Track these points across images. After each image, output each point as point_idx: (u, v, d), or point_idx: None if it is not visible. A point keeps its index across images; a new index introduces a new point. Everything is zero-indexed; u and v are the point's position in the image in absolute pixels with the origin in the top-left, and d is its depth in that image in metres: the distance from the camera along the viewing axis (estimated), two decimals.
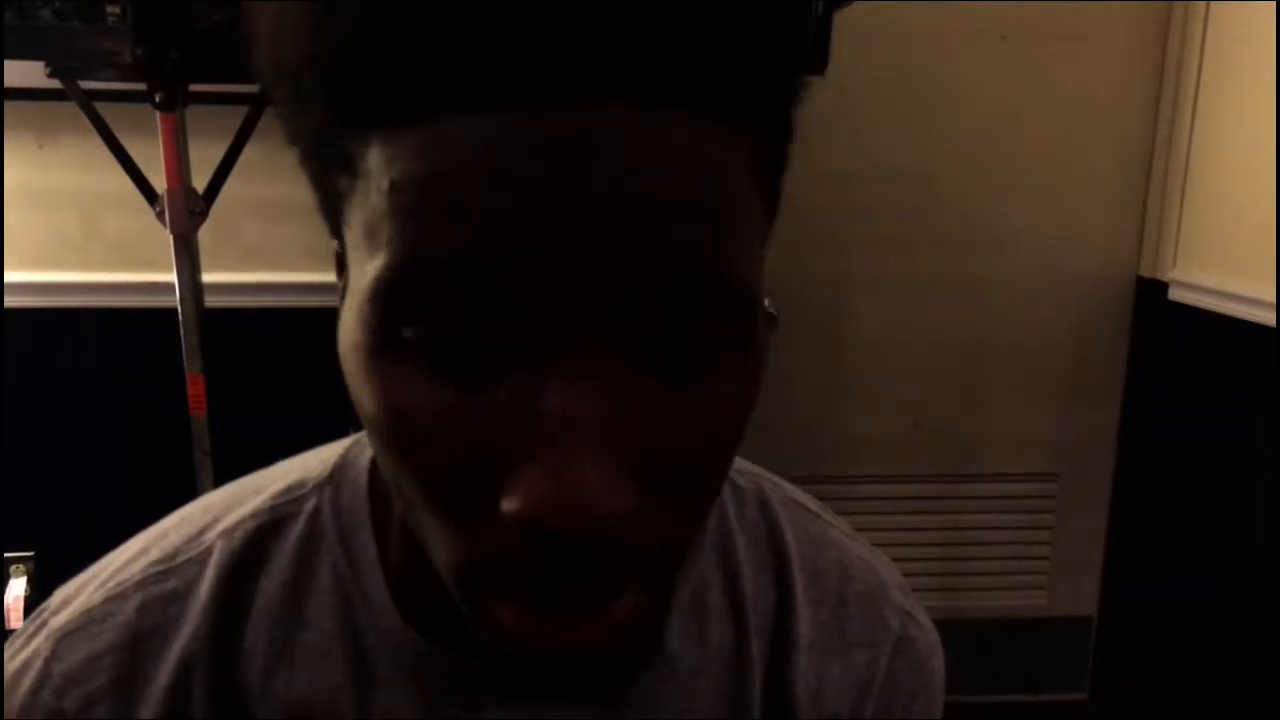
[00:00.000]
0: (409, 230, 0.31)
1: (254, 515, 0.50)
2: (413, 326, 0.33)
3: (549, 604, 0.35)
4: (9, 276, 1.94)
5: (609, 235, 0.31)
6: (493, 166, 0.30)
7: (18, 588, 2.00)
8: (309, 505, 0.50)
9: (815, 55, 1.41)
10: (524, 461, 0.32)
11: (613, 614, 0.35)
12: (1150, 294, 2.35)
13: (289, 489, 0.50)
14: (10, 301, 1.94)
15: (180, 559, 0.49)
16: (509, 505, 0.32)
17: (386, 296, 0.33)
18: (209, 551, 0.49)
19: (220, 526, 0.50)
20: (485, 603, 0.36)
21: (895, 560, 0.59)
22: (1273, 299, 1.93)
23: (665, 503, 0.35)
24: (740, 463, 0.57)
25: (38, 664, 0.47)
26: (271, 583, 0.48)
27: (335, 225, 0.37)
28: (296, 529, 0.49)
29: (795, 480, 0.59)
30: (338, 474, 0.50)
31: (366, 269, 0.33)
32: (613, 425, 0.32)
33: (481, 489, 0.33)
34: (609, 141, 0.30)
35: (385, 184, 0.32)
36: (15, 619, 1.94)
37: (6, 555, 2.04)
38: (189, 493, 0.54)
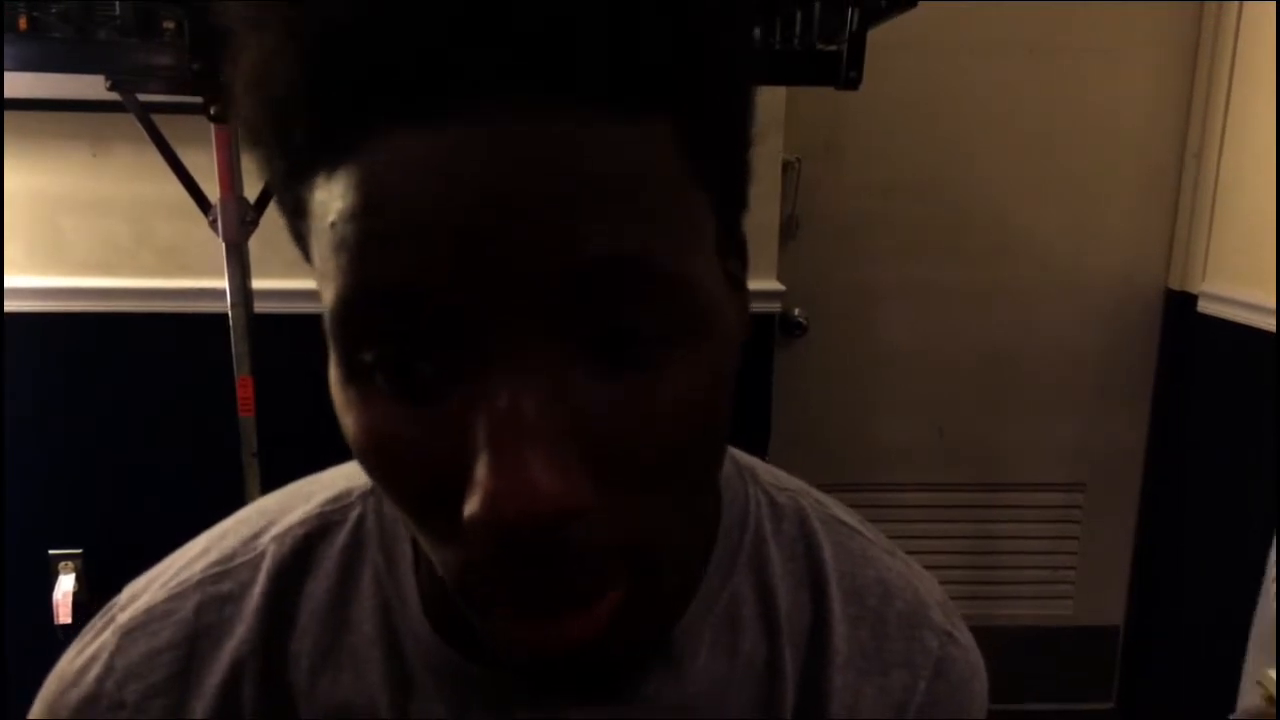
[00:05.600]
0: (350, 263, 0.33)
1: (303, 522, 0.51)
2: (369, 352, 0.34)
3: (533, 608, 0.35)
4: (61, 282, 1.99)
5: (534, 239, 0.31)
6: (415, 191, 0.31)
7: (66, 584, 2.04)
8: (354, 513, 0.51)
9: (850, 71, 1.43)
10: (478, 465, 0.32)
11: (596, 611, 0.36)
12: (1179, 306, 2.35)
13: (337, 497, 0.52)
14: (63, 306, 1.99)
15: (236, 561, 0.51)
16: (468, 510, 0.32)
17: (340, 327, 0.35)
18: (262, 556, 0.51)
19: (273, 531, 0.52)
20: (482, 609, 0.37)
21: (928, 575, 0.58)
22: None
23: (628, 495, 0.35)
24: (781, 478, 0.57)
25: (104, 656, 0.49)
26: (318, 588, 0.50)
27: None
28: (342, 536, 0.51)
29: (819, 488, 0.59)
30: None
31: (325, 301, 0.35)
32: (560, 418, 0.33)
33: (453, 500, 0.33)
34: (523, 148, 0.31)
35: (327, 223, 0.34)
36: (64, 615, 1.98)
37: (56, 553, 2.08)
38: (236, 492, 0.56)
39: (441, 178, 0.31)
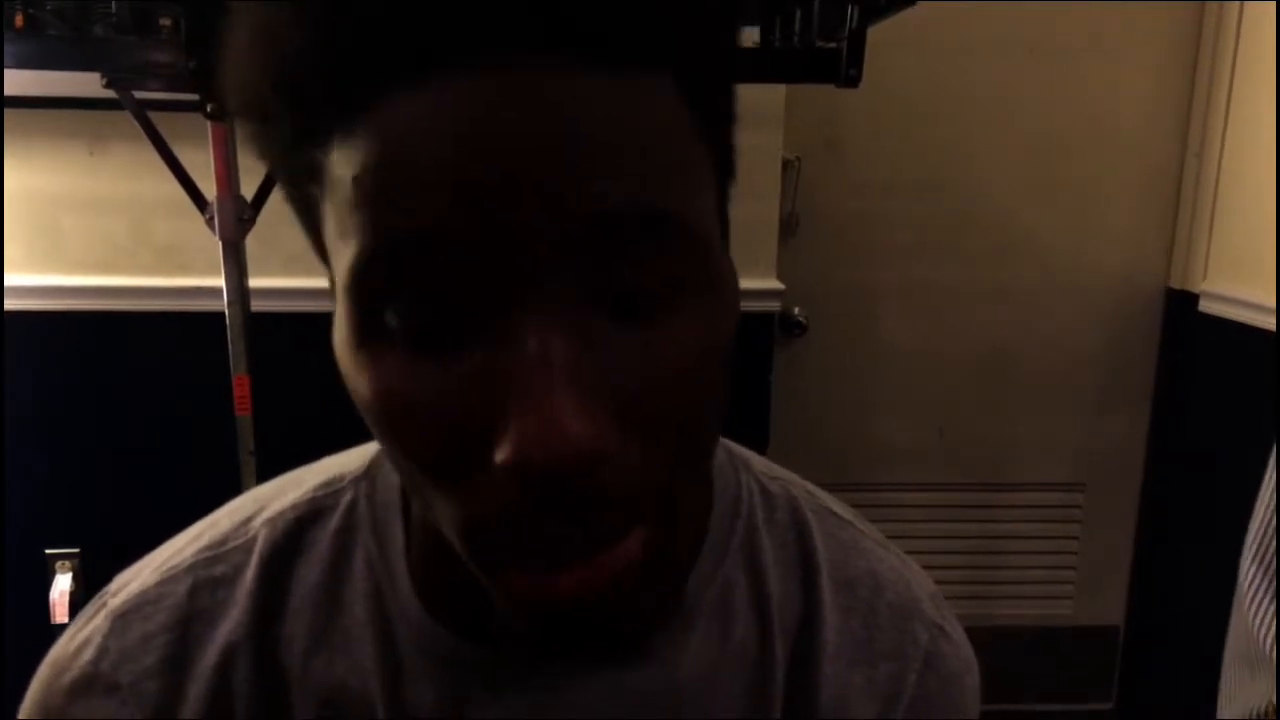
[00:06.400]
0: (373, 216, 0.33)
1: (295, 506, 0.52)
2: (391, 307, 0.34)
3: (554, 560, 0.36)
4: (60, 280, 1.98)
5: (556, 190, 0.32)
6: (438, 141, 0.32)
7: (63, 584, 2.04)
8: (346, 498, 0.52)
9: (850, 69, 1.42)
10: (508, 412, 0.33)
11: (617, 557, 0.36)
12: (1180, 305, 2.35)
13: (328, 482, 0.53)
14: (61, 305, 1.98)
15: (228, 545, 0.51)
16: (499, 455, 0.33)
17: (361, 282, 0.34)
18: (254, 539, 0.51)
19: (265, 515, 0.52)
20: (497, 568, 0.37)
21: (920, 569, 0.58)
22: None
23: (647, 441, 0.35)
24: (772, 468, 0.57)
25: (97, 640, 0.49)
26: (311, 571, 0.50)
27: (316, 236, 0.39)
28: (334, 520, 0.51)
29: (819, 487, 0.59)
30: (374, 469, 0.52)
31: (342, 262, 0.35)
32: (586, 364, 0.33)
33: (477, 449, 0.34)
34: (544, 101, 0.32)
35: (348, 179, 0.34)
36: (61, 614, 1.98)
37: (53, 552, 2.07)
38: (233, 491, 0.56)
39: (465, 130, 0.32)
